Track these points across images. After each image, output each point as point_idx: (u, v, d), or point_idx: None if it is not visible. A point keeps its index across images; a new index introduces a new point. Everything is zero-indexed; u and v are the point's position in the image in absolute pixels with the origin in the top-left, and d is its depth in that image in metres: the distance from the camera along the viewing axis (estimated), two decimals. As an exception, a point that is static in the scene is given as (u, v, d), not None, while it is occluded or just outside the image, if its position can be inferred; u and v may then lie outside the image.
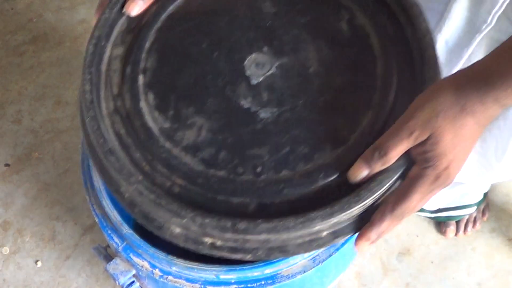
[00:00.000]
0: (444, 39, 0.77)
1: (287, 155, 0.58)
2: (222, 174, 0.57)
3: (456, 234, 1.31)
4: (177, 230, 0.57)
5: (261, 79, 0.62)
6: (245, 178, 0.57)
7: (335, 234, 0.56)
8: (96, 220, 0.73)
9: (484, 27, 0.72)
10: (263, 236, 0.53)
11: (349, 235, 0.57)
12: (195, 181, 0.57)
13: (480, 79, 0.51)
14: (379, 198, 0.56)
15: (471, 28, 0.74)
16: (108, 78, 0.63)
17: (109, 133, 0.60)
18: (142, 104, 0.61)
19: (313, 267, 0.66)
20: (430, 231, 1.33)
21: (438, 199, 1.24)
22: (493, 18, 0.71)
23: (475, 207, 1.29)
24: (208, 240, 0.56)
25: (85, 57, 0.62)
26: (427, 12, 0.82)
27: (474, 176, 1.03)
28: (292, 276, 0.66)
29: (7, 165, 1.44)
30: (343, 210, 0.53)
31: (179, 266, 0.67)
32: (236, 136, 0.59)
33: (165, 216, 0.56)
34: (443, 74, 0.66)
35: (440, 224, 1.32)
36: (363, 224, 0.56)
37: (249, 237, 0.54)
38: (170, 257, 0.68)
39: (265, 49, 0.64)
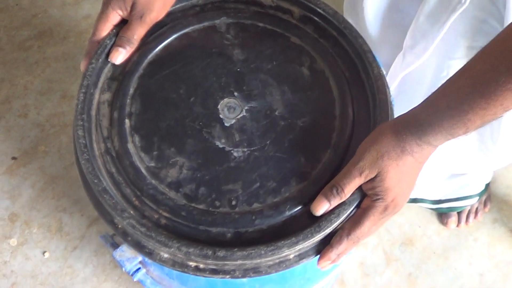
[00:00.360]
0: (425, 15, 0.82)
1: (257, 190, 0.66)
2: (202, 207, 0.65)
3: (458, 225, 1.32)
4: (166, 255, 0.65)
5: (233, 121, 0.70)
6: (222, 210, 0.65)
7: (300, 257, 0.65)
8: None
9: (458, 6, 0.77)
10: (239, 262, 0.62)
11: (313, 256, 0.65)
12: (179, 214, 0.65)
13: (414, 126, 0.60)
14: (337, 227, 0.65)
15: (447, 6, 0.78)
16: (98, 122, 0.70)
17: (102, 173, 0.67)
18: (130, 146, 0.68)
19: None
20: (433, 222, 1.35)
21: (439, 190, 1.26)
22: None
23: (477, 198, 1.30)
24: (192, 264, 0.65)
25: (77, 104, 0.68)
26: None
27: (475, 163, 1.05)
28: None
29: (14, 158, 1.45)
30: (306, 238, 0.61)
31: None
32: (213, 174, 0.67)
33: (155, 245, 0.63)
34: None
35: (442, 215, 1.34)
36: (324, 247, 0.65)
37: (227, 262, 0.62)
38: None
39: (236, 94, 0.72)
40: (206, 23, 0.77)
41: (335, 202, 0.63)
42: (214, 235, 0.64)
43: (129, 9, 0.72)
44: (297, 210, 0.65)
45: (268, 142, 0.69)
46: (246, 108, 0.71)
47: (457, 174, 1.24)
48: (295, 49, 0.76)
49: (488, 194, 1.35)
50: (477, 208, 1.32)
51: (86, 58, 0.73)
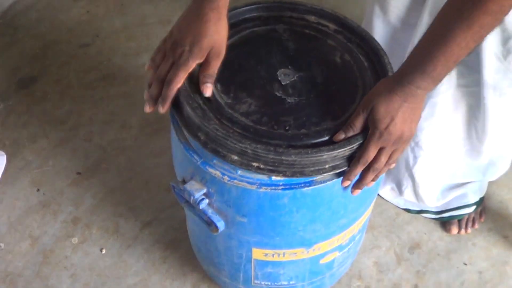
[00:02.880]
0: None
1: (304, 122, 0.92)
2: (265, 128, 0.91)
3: (459, 231, 1.54)
4: (235, 157, 0.89)
5: (287, 82, 0.99)
6: (279, 131, 0.91)
7: (333, 167, 0.90)
8: (181, 147, 0.97)
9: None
10: (292, 158, 0.86)
11: (342, 169, 0.91)
12: (248, 130, 0.90)
13: (397, 73, 0.86)
14: (354, 149, 0.90)
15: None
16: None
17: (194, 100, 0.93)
18: (213, 89, 0.95)
19: (337, 178, 0.93)
20: (436, 230, 1.57)
21: (440, 199, 1.48)
22: None
23: (474, 207, 1.52)
24: (255, 164, 0.89)
25: None
26: None
27: (468, 167, 1.32)
28: (324, 181, 0.91)
29: (78, 173, 1.69)
30: (340, 147, 0.88)
31: (242, 170, 0.92)
32: (273, 110, 0.94)
33: (229, 146, 0.87)
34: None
35: (445, 224, 1.56)
36: (349, 163, 0.91)
37: (283, 158, 0.86)
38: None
39: (290, 67, 1.01)
40: (269, 27, 1.09)
41: (349, 133, 0.89)
42: (273, 145, 0.88)
43: (205, 55, 0.92)
44: (331, 136, 0.90)
45: (311, 95, 0.97)
46: (296, 75, 1.00)
47: (456, 185, 1.47)
48: (330, 47, 1.07)
49: (483, 207, 1.57)
50: (474, 218, 1.54)
51: (167, 103, 0.92)
